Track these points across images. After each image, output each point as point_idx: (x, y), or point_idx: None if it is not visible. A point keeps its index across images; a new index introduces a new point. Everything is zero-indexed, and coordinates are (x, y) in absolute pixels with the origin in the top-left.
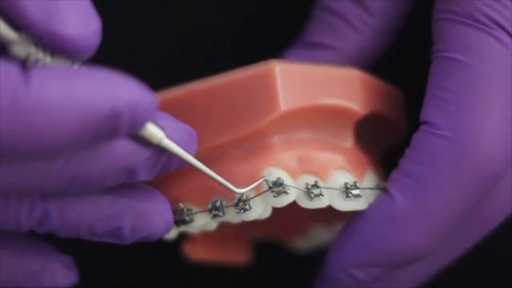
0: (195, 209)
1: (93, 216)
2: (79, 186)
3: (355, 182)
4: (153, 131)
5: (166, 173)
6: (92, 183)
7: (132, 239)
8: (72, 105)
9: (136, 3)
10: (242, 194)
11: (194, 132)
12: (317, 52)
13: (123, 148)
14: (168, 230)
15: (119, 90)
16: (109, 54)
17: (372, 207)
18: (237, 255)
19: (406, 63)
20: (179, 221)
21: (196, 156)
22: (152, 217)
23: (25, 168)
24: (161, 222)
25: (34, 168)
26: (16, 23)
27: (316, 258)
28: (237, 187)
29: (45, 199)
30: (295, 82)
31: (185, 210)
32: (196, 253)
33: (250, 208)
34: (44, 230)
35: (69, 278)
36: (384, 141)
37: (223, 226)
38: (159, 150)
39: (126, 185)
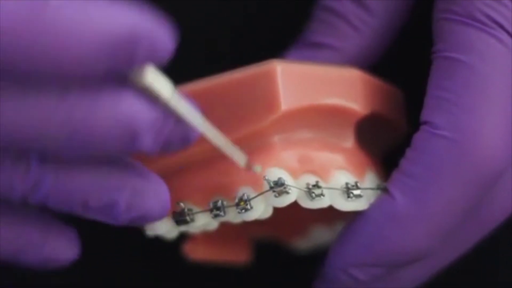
0: (195, 209)
1: (89, 186)
2: (79, 143)
3: (356, 182)
4: (163, 83)
5: (166, 173)
6: (92, 142)
7: (126, 218)
8: (90, 26)
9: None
10: (243, 194)
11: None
12: (318, 52)
13: (128, 104)
14: (163, 213)
15: (140, 18)
16: None
17: (372, 207)
18: (237, 255)
19: (406, 63)
20: (179, 221)
21: (196, 156)
22: (148, 195)
23: (28, 106)
24: (157, 201)
25: (37, 110)
26: None
27: (316, 258)
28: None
29: (41, 164)
30: (295, 82)
31: (185, 210)
32: (196, 253)
33: (251, 208)
34: (37, 199)
35: (71, 252)
36: (385, 141)
37: (224, 226)
38: (166, 114)
39: (124, 162)
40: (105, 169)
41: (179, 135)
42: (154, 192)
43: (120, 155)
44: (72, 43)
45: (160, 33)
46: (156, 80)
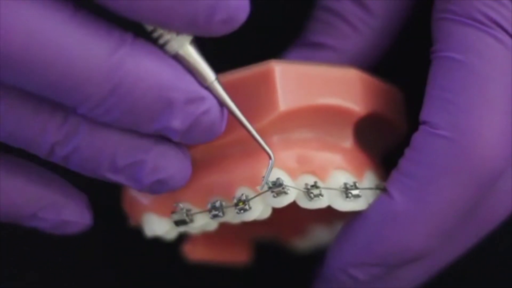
0: (194, 209)
1: (119, 145)
2: (118, 98)
3: (354, 182)
4: (207, 69)
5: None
6: (130, 102)
7: (149, 180)
8: None
9: None
10: (241, 194)
11: None
12: (317, 52)
13: (171, 74)
14: (184, 179)
15: None
16: None
17: (371, 207)
18: (237, 256)
19: (405, 63)
20: (179, 222)
21: (196, 156)
22: (174, 159)
23: (84, 47)
24: (181, 167)
25: (90, 53)
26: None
27: (316, 258)
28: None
29: (77, 118)
30: (294, 82)
31: (184, 210)
32: (195, 253)
33: (250, 208)
34: (65, 152)
35: (86, 218)
36: (384, 141)
37: (223, 226)
38: (202, 97)
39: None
40: (135, 134)
41: (209, 121)
42: (179, 158)
43: (150, 127)
44: None
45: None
46: (203, 62)
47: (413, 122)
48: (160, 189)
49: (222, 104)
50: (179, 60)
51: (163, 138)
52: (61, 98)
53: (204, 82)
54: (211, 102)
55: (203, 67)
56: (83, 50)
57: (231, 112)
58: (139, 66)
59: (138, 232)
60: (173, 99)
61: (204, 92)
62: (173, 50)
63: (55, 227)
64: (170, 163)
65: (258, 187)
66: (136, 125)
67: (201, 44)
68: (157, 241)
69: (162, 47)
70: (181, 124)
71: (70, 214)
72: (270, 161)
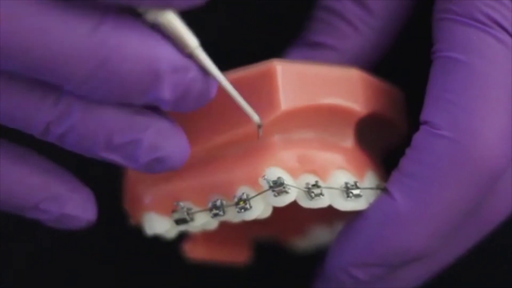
0: (195, 208)
1: (115, 123)
2: (106, 74)
3: (355, 182)
4: (190, 34)
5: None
6: (118, 77)
7: (147, 159)
8: None
9: None
10: (242, 193)
11: None
12: (318, 52)
13: (155, 45)
14: (182, 159)
15: None
16: None
17: (372, 207)
18: (237, 255)
19: (406, 63)
20: (179, 220)
21: (197, 155)
22: (171, 138)
23: (66, 28)
24: (179, 145)
25: (73, 33)
26: None
27: (316, 258)
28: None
29: (71, 98)
30: (295, 81)
31: (185, 209)
32: (195, 252)
33: (250, 207)
34: (59, 131)
35: (90, 214)
36: (385, 141)
37: (223, 225)
38: (189, 63)
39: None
40: (132, 109)
41: (198, 88)
42: (176, 136)
43: (140, 99)
44: None
45: None
46: (184, 29)
47: (414, 122)
48: (158, 168)
49: (206, 70)
50: (160, 28)
51: (160, 116)
52: (48, 77)
53: (186, 50)
54: (196, 69)
55: (184, 35)
56: (65, 29)
57: (215, 78)
58: (123, 41)
59: (138, 231)
60: (160, 70)
61: (188, 61)
62: (152, 19)
63: (57, 221)
64: (168, 142)
65: (259, 179)
66: (127, 99)
67: (201, 43)
68: (157, 240)
69: (141, 16)
70: (171, 94)
71: (74, 208)
72: (260, 130)
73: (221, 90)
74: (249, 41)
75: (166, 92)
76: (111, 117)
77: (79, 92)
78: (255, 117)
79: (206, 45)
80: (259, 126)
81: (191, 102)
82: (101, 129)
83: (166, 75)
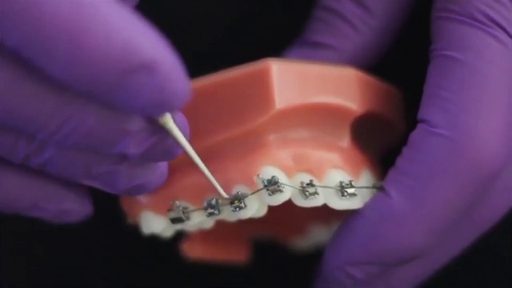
0: (190, 207)
1: (90, 157)
2: (68, 132)
3: (350, 181)
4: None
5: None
6: (78, 136)
7: (125, 186)
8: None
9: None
10: (237, 192)
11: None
12: (317, 51)
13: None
14: (160, 183)
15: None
16: None
17: (368, 205)
18: (236, 254)
19: (404, 62)
20: (175, 219)
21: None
22: (149, 164)
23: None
24: (157, 171)
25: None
26: None
27: (315, 258)
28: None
29: None
30: (291, 80)
31: (181, 208)
32: (194, 251)
33: (245, 206)
34: (38, 163)
35: (87, 207)
36: (382, 140)
37: (221, 224)
38: (156, 127)
39: None
40: None
41: (163, 149)
42: (153, 164)
43: (108, 151)
44: None
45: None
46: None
47: (411, 121)
48: (138, 192)
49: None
50: None
51: None
52: (18, 127)
53: (159, 122)
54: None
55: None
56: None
57: (184, 150)
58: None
59: (136, 230)
60: (128, 129)
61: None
62: None
63: (55, 216)
64: (145, 169)
65: (254, 177)
66: (95, 150)
67: (200, 43)
68: (155, 240)
69: None
70: (139, 148)
71: (71, 203)
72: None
73: (216, 91)
74: (249, 41)
75: (132, 147)
76: (86, 153)
77: (50, 141)
78: (222, 192)
79: (206, 45)
80: (225, 199)
81: (158, 155)
82: (77, 164)
83: (133, 133)
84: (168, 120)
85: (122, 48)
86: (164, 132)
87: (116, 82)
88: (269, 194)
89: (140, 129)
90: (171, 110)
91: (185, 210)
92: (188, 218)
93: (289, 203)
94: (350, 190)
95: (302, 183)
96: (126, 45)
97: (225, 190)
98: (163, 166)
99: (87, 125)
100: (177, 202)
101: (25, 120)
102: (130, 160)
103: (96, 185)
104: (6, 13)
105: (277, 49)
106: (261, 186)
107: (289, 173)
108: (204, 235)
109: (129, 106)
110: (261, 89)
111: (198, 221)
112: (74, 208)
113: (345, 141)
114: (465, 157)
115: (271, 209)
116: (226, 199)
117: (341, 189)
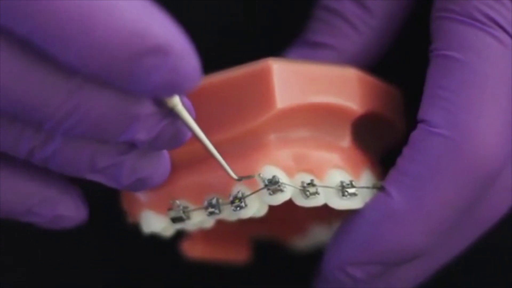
0: (191, 206)
1: (96, 149)
2: (78, 119)
3: (351, 181)
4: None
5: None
6: (88, 123)
7: (129, 180)
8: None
9: None
10: (238, 192)
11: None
12: (317, 51)
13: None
14: (163, 178)
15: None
16: None
17: (369, 205)
18: (236, 254)
19: (404, 62)
20: (175, 219)
21: (193, 153)
22: (151, 157)
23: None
24: (160, 166)
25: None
26: None
27: (315, 257)
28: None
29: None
30: (291, 80)
31: (181, 207)
32: (194, 251)
33: (246, 205)
34: (43, 156)
35: (82, 212)
36: (382, 140)
37: (222, 224)
38: (166, 112)
39: None
40: None
41: (171, 134)
42: (157, 157)
43: (116, 138)
44: None
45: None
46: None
47: (411, 121)
48: (141, 187)
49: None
50: None
51: None
52: (26, 117)
53: (168, 105)
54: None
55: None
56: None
57: (195, 135)
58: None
59: (136, 229)
60: (137, 114)
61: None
62: None
63: (50, 222)
64: (148, 162)
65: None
66: (103, 138)
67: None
68: (155, 239)
69: None
70: (149, 133)
71: (65, 208)
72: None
73: (217, 91)
74: (249, 41)
75: (142, 132)
76: (92, 145)
77: (58, 130)
78: (233, 175)
79: (206, 45)
80: (238, 180)
81: (164, 142)
82: (82, 156)
83: (142, 117)
84: (178, 103)
85: (134, 31)
86: (173, 117)
87: (129, 65)
88: (270, 194)
89: (150, 113)
90: (184, 91)
91: (185, 210)
92: (188, 218)
93: (289, 203)
94: (351, 190)
95: (302, 182)
96: (139, 28)
97: (225, 190)
98: (166, 161)
99: (97, 111)
100: (178, 202)
101: (36, 107)
102: (137, 149)
103: (100, 179)
104: (18, 1)
105: (277, 49)
106: (262, 185)
107: (289, 173)
108: (205, 234)
109: (142, 88)
110: (261, 89)
111: (198, 220)
112: (69, 214)
113: (346, 141)
114: (465, 157)
115: (271, 208)
116: (237, 179)
117: (342, 189)
